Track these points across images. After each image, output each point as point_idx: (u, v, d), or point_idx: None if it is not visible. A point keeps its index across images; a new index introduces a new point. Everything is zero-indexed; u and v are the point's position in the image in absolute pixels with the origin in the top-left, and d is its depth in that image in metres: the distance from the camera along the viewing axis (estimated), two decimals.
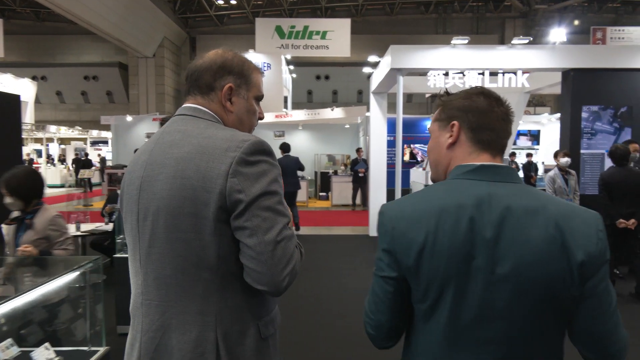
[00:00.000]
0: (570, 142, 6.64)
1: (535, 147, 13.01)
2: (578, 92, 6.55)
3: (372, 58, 8.35)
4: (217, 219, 1.08)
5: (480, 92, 1.11)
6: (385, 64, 7.13)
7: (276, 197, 1.11)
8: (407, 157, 11.40)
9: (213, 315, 1.12)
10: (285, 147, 8.73)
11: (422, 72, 7.46)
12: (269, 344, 1.21)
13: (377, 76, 8.21)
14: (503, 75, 6.61)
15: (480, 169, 1.05)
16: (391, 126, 9.22)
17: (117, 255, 3.98)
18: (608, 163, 6.68)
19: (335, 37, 16.29)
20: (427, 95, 16.83)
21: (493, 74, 6.69)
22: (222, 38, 24.83)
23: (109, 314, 3.38)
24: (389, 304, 1.06)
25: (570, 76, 6.59)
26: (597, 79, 6.52)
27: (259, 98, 1.31)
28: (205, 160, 1.09)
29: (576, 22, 23.36)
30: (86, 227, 5.76)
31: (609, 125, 6.65)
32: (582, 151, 6.64)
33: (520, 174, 11.40)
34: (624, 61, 6.47)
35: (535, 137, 13.10)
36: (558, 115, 13.41)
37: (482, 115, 1.08)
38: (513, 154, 10.73)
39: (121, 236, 3.97)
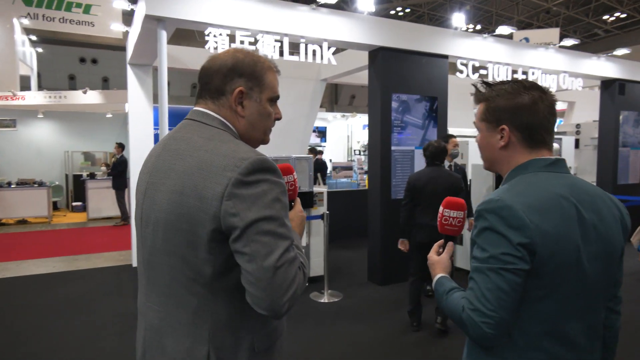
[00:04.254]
0: (382, 137, 5.16)
1: (323, 144, 11.97)
2: (387, 76, 5.10)
3: (119, 4, 5.36)
4: (211, 239, 1.00)
5: (524, 87, 1.08)
6: (140, 13, 4.36)
7: (276, 220, 0.98)
8: None
9: (206, 329, 1.05)
10: None
11: (195, 29, 4.91)
12: (264, 356, 1.12)
13: (133, 35, 5.30)
14: (306, 46, 4.66)
15: (557, 163, 1.09)
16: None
17: None
18: (418, 161, 5.48)
19: (103, 12, 12.58)
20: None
21: (294, 44, 4.68)
22: None
23: None
24: (516, 298, 1.00)
25: (379, 57, 5.09)
26: (404, 62, 5.19)
27: (274, 99, 1.18)
28: (202, 178, 1.00)
29: None
30: None
31: (417, 118, 5.43)
32: (392, 148, 5.24)
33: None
34: (433, 45, 5.31)
35: (322, 133, 12.06)
36: (343, 113, 12.74)
37: (529, 115, 1.07)
38: (320, 152, 9.17)
39: None
